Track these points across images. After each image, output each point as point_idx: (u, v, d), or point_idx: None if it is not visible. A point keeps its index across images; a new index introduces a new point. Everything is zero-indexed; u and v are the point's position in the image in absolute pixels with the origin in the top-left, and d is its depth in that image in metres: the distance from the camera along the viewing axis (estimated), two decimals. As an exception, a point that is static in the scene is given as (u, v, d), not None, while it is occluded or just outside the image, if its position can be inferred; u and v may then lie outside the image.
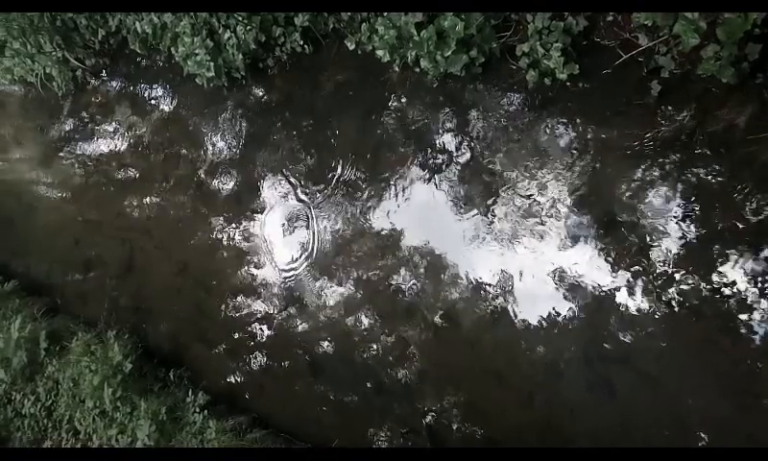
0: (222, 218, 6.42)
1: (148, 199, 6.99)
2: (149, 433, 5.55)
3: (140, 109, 7.10)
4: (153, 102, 7.04)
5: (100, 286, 7.22)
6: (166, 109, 6.94)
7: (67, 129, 7.81)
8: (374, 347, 5.43)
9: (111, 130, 7.36)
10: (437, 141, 5.22)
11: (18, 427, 6.64)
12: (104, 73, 7.37)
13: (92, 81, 7.48)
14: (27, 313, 7.19)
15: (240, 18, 5.60)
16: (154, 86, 7.03)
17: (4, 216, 8.40)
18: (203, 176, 6.57)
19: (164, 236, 6.80)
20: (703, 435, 4.15)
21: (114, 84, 7.38)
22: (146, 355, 6.44)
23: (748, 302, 4.02)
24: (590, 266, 4.56)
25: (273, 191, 6.11)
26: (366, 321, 5.49)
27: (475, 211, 5.03)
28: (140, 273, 6.94)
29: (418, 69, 5.03)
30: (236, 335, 6.20)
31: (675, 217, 4.27)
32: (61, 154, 7.79)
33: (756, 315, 4.00)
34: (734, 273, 4.07)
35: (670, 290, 4.26)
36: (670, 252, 4.28)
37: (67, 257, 7.60)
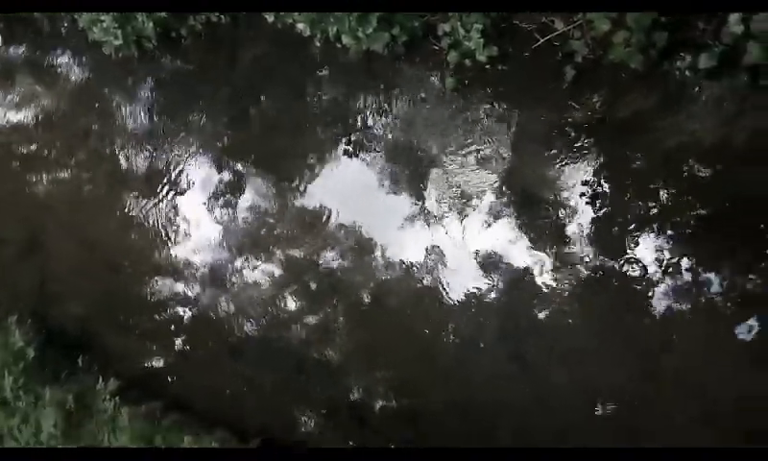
0: (134, 195, 6.12)
1: (53, 175, 6.56)
2: (55, 422, 5.28)
3: (42, 78, 6.61)
4: (56, 71, 6.56)
5: (1, 266, 6.75)
6: (72, 78, 6.49)
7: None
8: (298, 327, 5.40)
9: (10, 99, 6.82)
10: (359, 119, 5.19)
11: None
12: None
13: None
14: None
15: (151, -17, 5.29)
16: (57, 54, 6.55)
17: None
18: (112, 150, 6.23)
19: (71, 215, 6.41)
20: (608, 403, 4.41)
21: (12, 50, 6.82)
22: (52, 341, 6.08)
23: (651, 277, 4.27)
24: (508, 244, 4.72)
25: (189, 167, 5.89)
26: (289, 301, 5.44)
27: (398, 190, 5.07)
28: (45, 253, 6.52)
29: (339, 45, 4.95)
30: (151, 318, 5.97)
31: (586, 197, 4.48)
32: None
33: (658, 290, 4.26)
34: (640, 250, 4.31)
35: (580, 266, 4.47)
36: (581, 230, 4.48)
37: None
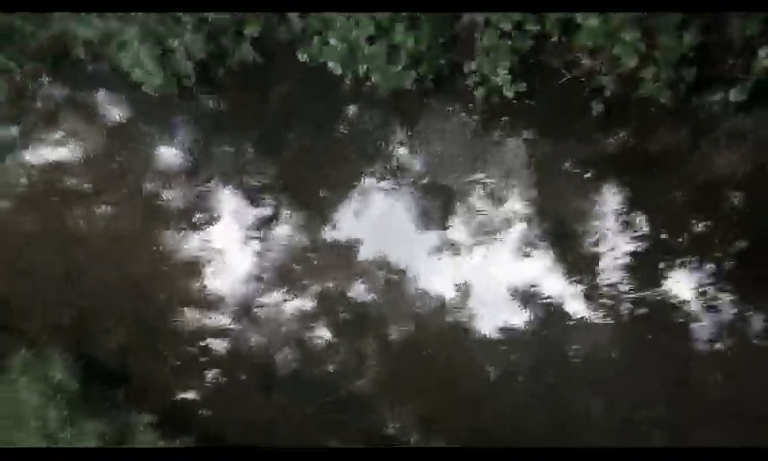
0: (170, 228, 6.27)
1: (94, 209, 6.75)
2: (96, 455, 5.37)
3: (85, 117, 6.84)
4: (99, 110, 6.79)
5: (42, 300, 6.94)
6: (113, 117, 6.71)
7: (6, 135, 7.47)
8: (330, 359, 5.44)
9: (54, 138, 7.08)
10: (389, 154, 5.27)
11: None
12: (46, 78, 7.08)
13: (34, 86, 7.18)
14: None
15: (189, 26, 5.49)
16: (99, 94, 6.78)
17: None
18: (150, 185, 6.40)
19: (110, 248, 6.57)
20: (648, 433, 4.34)
21: (57, 90, 7.10)
22: (91, 373, 6.21)
23: (688, 308, 4.22)
24: (540, 277, 4.71)
25: (223, 201, 6.01)
26: (320, 333, 5.49)
27: (428, 225, 5.12)
28: (86, 286, 6.70)
29: (369, 83, 5.06)
30: (185, 350, 6.05)
31: (618, 230, 4.45)
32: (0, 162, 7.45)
33: (694, 319, 4.20)
34: (673, 283, 4.26)
35: (612, 299, 4.43)
36: (614, 262, 4.45)
37: (8, 271, 7.26)
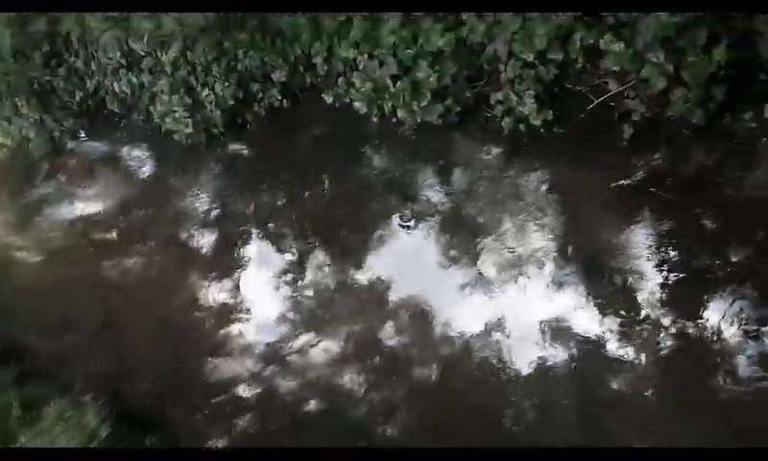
0: (201, 276, 6.33)
1: (126, 258, 6.88)
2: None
3: (118, 169, 7.07)
4: (131, 161, 7.03)
5: (76, 349, 7.02)
6: (145, 167, 6.92)
7: (45, 192, 7.74)
8: (360, 403, 5.31)
9: (89, 191, 7.31)
10: (416, 191, 5.26)
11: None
12: (82, 134, 7.36)
13: (70, 142, 7.46)
14: (1, 380, 6.94)
15: (218, 75, 5.67)
16: (132, 145, 7.03)
17: (-22, 281, 8.21)
18: (181, 233, 6.51)
19: (143, 295, 6.67)
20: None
21: (93, 144, 7.37)
22: (123, 419, 6.21)
23: (731, 342, 4.01)
24: (573, 312, 4.55)
25: (253, 247, 6.06)
26: (351, 376, 5.39)
27: (457, 261, 5.02)
28: (118, 333, 6.76)
29: (395, 119, 5.11)
30: (217, 395, 6.01)
31: (653, 260, 4.31)
32: (39, 217, 7.69)
33: (740, 353, 3.99)
34: (713, 314, 4.07)
35: (651, 333, 4.24)
36: (651, 295, 4.28)
37: (44, 320, 7.38)
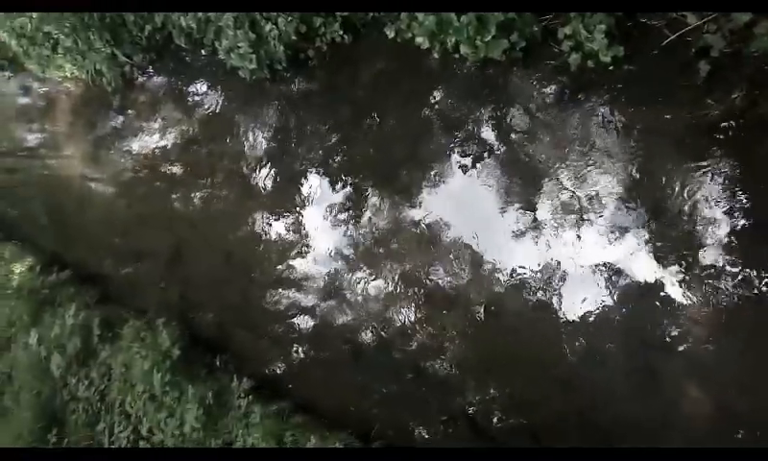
0: (265, 210, 6.53)
1: (194, 192, 7.15)
2: (197, 416, 5.71)
3: (185, 105, 7.26)
4: (197, 97, 7.19)
5: (149, 276, 7.45)
6: (211, 103, 7.07)
7: (116, 125, 8.05)
8: (415, 337, 5.45)
9: (158, 125, 7.55)
10: (477, 130, 5.17)
11: (73, 410, 6.92)
12: (151, 68, 7.56)
13: (140, 76, 7.68)
14: (81, 301, 7.48)
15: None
16: (198, 81, 7.18)
17: (58, 210, 8.74)
18: (246, 169, 6.69)
19: (210, 228, 6.96)
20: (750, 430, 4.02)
21: (161, 79, 7.56)
22: (193, 342, 6.61)
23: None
24: (636, 256, 4.46)
25: (314, 183, 6.17)
26: (406, 312, 5.51)
27: (517, 202, 4.97)
28: (187, 263, 7.12)
29: (457, 55, 4.99)
30: (279, 324, 6.31)
31: (724, 204, 4.14)
32: (111, 150, 8.03)
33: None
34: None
35: (716, 280, 4.13)
36: (720, 240, 4.15)
37: (118, 249, 7.85)
